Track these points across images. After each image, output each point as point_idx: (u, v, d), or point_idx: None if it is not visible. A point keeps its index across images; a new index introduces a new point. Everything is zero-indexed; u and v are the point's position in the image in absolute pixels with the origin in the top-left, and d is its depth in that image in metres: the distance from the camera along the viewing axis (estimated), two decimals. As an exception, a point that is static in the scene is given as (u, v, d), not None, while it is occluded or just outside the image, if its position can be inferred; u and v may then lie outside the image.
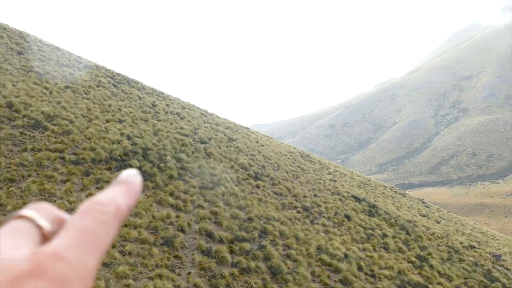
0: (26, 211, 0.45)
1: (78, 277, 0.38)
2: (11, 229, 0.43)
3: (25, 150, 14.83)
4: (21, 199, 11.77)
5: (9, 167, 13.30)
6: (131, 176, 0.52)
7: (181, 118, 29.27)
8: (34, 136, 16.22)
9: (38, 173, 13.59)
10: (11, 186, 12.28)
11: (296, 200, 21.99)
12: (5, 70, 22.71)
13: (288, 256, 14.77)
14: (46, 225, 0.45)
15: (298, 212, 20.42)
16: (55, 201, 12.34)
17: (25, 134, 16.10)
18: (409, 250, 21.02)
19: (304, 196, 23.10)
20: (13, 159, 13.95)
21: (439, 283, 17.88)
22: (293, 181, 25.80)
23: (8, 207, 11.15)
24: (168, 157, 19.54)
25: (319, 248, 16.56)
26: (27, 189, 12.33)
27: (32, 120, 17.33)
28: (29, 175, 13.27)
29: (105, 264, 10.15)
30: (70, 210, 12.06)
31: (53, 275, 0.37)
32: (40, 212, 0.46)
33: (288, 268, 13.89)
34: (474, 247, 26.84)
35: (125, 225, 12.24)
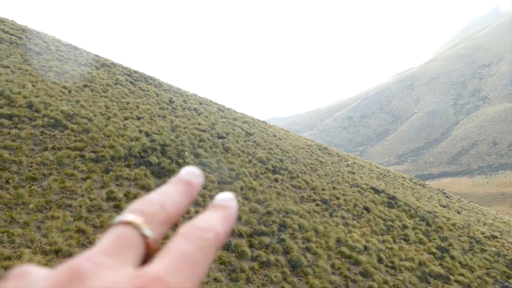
0: (132, 217, 0.45)
1: None
2: (116, 238, 0.43)
3: (45, 149, 15.06)
4: (43, 197, 11.98)
5: (31, 166, 13.54)
6: (228, 201, 0.52)
7: (199, 114, 29.41)
8: (54, 135, 16.47)
9: (59, 172, 13.80)
10: (33, 185, 12.51)
11: (315, 193, 21.98)
12: (24, 71, 23.05)
13: (308, 249, 14.80)
14: (151, 235, 0.44)
15: (317, 205, 20.41)
16: (76, 198, 12.53)
17: (46, 133, 16.35)
18: (430, 241, 20.87)
19: (323, 189, 23.08)
20: (35, 158, 14.19)
21: (461, 274, 17.74)
22: (312, 174, 25.78)
23: (31, 206, 11.36)
24: (186, 152, 19.68)
25: (338, 240, 16.55)
26: (49, 187, 12.54)
27: (52, 120, 17.59)
28: (50, 174, 13.49)
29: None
30: (91, 208, 12.26)
31: None
32: (146, 217, 0.45)
33: (308, 261, 13.92)
34: (496, 237, 26.56)
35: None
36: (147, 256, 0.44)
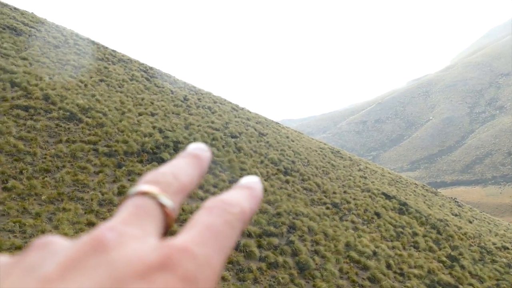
0: (148, 187, 0.44)
1: (205, 278, 0.36)
2: (135, 209, 0.41)
3: (60, 141, 15.20)
4: (55, 189, 12.09)
5: (45, 158, 13.67)
6: (253, 182, 0.51)
7: (212, 112, 29.47)
8: (69, 128, 16.61)
9: (72, 164, 13.91)
10: (46, 176, 12.62)
11: (326, 196, 21.90)
12: (42, 63, 23.28)
13: (316, 252, 14.75)
14: (169, 203, 0.43)
15: (327, 208, 20.34)
16: (88, 191, 12.62)
17: (61, 126, 16.49)
18: (440, 249, 20.70)
19: (334, 193, 22.98)
20: (49, 150, 14.32)
21: (470, 284, 17.57)
22: (323, 177, 25.69)
23: (43, 197, 11.46)
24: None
25: (347, 245, 16.47)
26: (61, 179, 12.65)
27: (68, 112, 17.73)
28: (64, 166, 13.60)
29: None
30: (102, 201, 12.33)
31: (182, 272, 0.35)
32: (161, 186, 0.44)
33: (316, 264, 13.87)
34: (508, 248, 26.25)
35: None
36: (166, 226, 0.43)
